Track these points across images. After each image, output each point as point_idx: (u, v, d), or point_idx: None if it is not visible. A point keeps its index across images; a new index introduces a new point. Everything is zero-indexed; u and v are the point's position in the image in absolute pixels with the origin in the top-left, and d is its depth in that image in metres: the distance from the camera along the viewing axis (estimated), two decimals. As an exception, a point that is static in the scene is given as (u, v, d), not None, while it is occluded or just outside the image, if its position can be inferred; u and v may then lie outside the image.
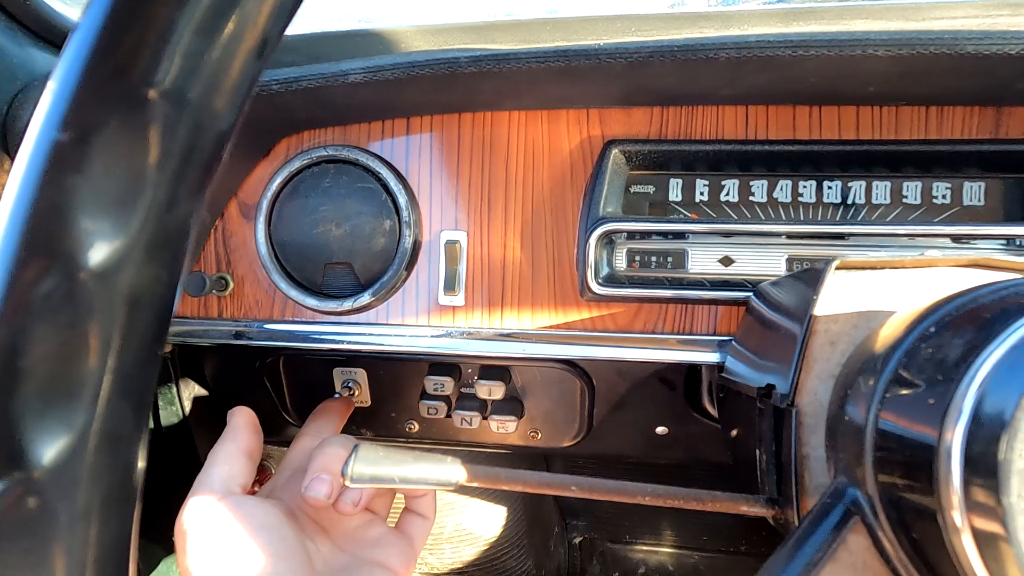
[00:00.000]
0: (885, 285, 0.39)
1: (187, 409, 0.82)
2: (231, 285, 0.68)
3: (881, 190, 0.62)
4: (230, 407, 0.86)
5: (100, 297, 0.18)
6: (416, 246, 0.64)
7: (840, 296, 0.39)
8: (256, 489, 0.87)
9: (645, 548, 1.34)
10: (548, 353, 0.64)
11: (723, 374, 0.56)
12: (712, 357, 0.60)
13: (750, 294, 0.57)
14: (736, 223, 0.61)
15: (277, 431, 0.88)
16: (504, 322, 0.64)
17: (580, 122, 0.63)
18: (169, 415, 0.81)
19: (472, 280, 0.65)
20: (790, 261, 0.62)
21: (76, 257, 0.17)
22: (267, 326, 0.68)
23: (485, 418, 0.72)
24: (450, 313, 0.65)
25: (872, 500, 0.30)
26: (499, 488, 0.37)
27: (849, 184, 0.62)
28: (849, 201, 0.62)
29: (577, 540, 1.36)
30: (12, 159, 0.52)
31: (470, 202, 0.65)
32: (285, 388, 0.77)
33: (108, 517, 0.19)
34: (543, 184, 0.64)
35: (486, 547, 1.19)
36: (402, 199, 0.63)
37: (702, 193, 0.64)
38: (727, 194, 0.64)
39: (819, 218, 0.62)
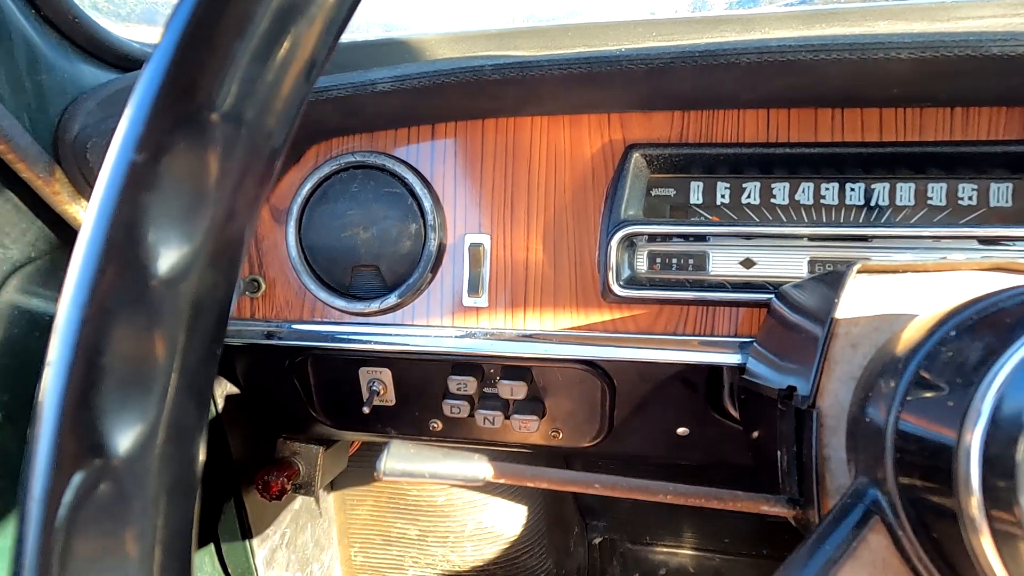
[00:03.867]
0: (906, 289, 0.39)
1: (220, 406, 0.85)
2: (263, 287, 0.71)
3: (905, 191, 0.61)
4: (261, 404, 0.89)
5: (169, 302, 0.19)
6: (441, 249, 0.66)
7: (861, 299, 0.39)
8: (285, 484, 0.90)
9: (665, 550, 1.34)
10: (570, 354, 0.65)
11: (744, 376, 0.57)
12: (733, 358, 0.61)
13: (772, 296, 0.57)
14: (757, 225, 0.62)
15: (304, 428, 0.91)
16: (527, 323, 0.65)
17: (601, 127, 0.64)
18: (203, 412, 0.84)
19: (495, 282, 0.66)
20: (812, 263, 0.62)
21: (148, 266, 0.19)
22: (296, 326, 0.70)
23: (507, 417, 0.73)
24: (474, 314, 0.66)
25: (892, 500, 0.30)
26: (524, 485, 0.39)
27: (872, 186, 0.62)
28: (872, 203, 0.62)
29: (597, 540, 1.36)
30: (64, 168, 0.55)
31: (493, 206, 0.66)
32: (313, 387, 0.79)
33: (174, 504, 0.20)
34: (565, 188, 0.65)
35: (507, 546, 1.20)
36: (427, 203, 0.65)
37: (723, 196, 0.64)
38: (748, 196, 0.64)
39: (841, 220, 0.62)
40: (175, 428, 0.20)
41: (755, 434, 0.56)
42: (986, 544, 0.25)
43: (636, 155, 0.62)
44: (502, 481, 0.37)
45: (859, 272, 0.40)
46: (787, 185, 0.63)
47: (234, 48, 0.19)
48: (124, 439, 0.19)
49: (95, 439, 0.18)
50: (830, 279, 0.46)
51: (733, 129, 0.62)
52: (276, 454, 0.96)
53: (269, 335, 0.71)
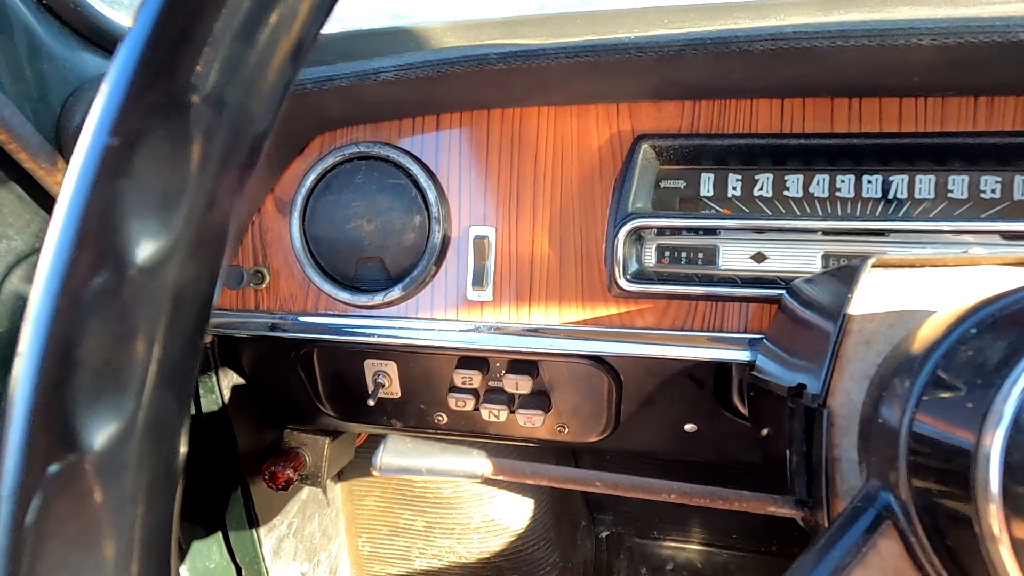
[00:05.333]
0: (924, 284, 0.37)
1: (226, 397, 0.86)
2: (267, 279, 0.70)
3: (925, 184, 0.59)
4: (267, 395, 0.89)
5: (147, 292, 0.19)
6: (445, 241, 0.65)
7: (876, 295, 0.38)
8: (292, 475, 0.90)
9: (673, 544, 1.33)
10: (575, 349, 0.64)
11: (754, 372, 0.55)
12: (743, 355, 0.59)
13: (783, 291, 0.55)
14: (770, 219, 0.60)
15: (310, 419, 0.91)
16: (532, 317, 0.65)
17: (610, 117, 0.63)
18: (209, 403, 0.84)
19: (500, 275, 0.65)
20: (826, 258, 0.60)
21: (125, 255, 0.18)
22: (301, 319, 0.70)
23: (512, 412, 0.72)
24: (478, 308, 0.66)
25: (905, 505, 0.29)
26: (523, 482, 0.38)
27: (890, 178, 0.60)
28: (890, 196, 0.60)
29: (604, 534, 1.36)
30: (66, 158, 0.55)
31: (499, 198, 0.65)
32: (318, 378, 0.79)
33: (153, 500, 0.20)
34: (572, 180, 0.64)
35: (513, 538, 1.20)
36: (432, 195, 0.64)
37: (734, 188, 0.63)
38: (761, 189, 0.62)
39: (857, 213, 0.60)
40: (153, 423, 0.19)
41: (764, 432, 0.54)
42: (1004, 554, 0.24)
43: (645, 146, 0.61)
44: (500, 478, 0.36)
45: (874, 266, 0.38)
46: (801, 177, 0.61)
47: (214, 27, 0.18)
48: (99, 434, 0.18)
49: (69, 434, 0.18)
50: (843, 274, 0.45)
51: (746, 119, 0.60)
52: (283, 445, 0.96)
53: (273, 327, 0.70)
